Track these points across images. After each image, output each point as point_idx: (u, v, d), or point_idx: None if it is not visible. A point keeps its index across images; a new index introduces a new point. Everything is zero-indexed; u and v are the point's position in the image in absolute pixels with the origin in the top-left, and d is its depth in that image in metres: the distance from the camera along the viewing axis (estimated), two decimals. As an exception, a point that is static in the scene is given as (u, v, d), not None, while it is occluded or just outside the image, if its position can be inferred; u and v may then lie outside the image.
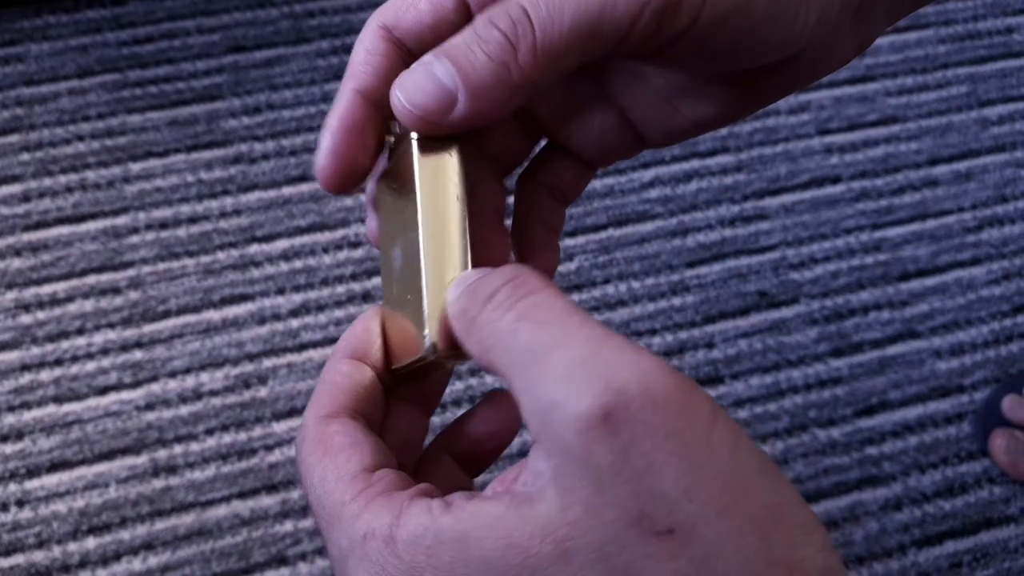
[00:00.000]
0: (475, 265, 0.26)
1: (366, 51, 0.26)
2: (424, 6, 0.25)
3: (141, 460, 0.82)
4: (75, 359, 0.86)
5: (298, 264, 0.92)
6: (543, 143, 0.32)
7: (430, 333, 0.25)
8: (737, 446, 0.19)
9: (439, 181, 0.26)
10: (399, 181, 0.27)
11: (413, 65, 0.25)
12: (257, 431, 0.84)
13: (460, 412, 0.86)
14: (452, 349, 0.25)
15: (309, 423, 0.26)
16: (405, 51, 0.26)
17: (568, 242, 0.95)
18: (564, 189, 0.31)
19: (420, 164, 0.25)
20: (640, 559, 0.19)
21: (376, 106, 0.27)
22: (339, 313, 0.90)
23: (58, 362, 0.86)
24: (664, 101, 0.29)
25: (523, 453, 0.81)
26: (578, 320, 0.21)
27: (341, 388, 0.27)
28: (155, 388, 0.85)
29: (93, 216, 0.93)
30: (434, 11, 0.25)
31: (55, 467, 0.82)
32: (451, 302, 0.24)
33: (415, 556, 0.21)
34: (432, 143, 0.26)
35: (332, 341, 0.88)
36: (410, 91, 0.24)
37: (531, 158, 0.32)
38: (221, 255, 0.92)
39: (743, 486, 0.19)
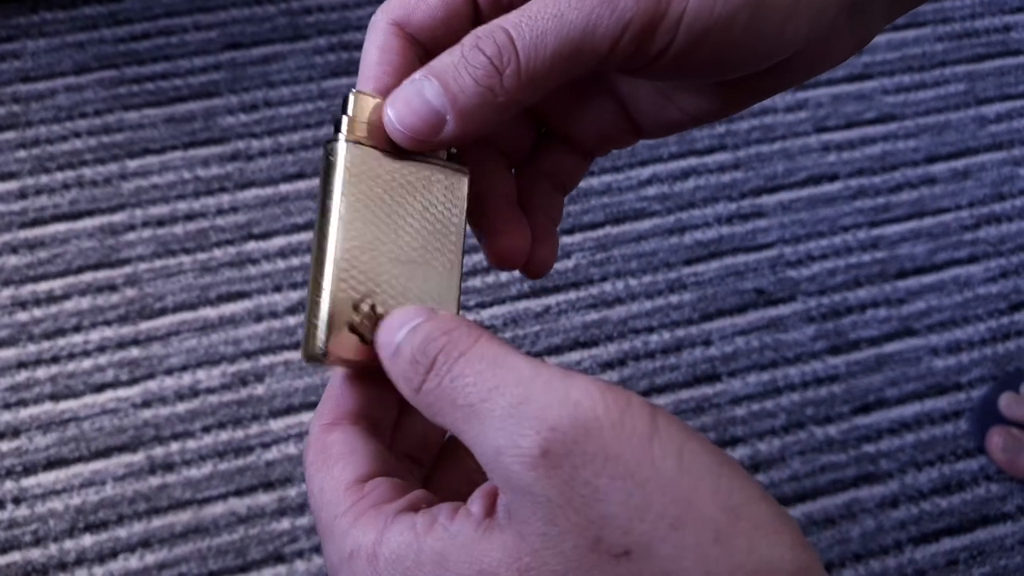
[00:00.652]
0: (494, 255, 0.28)
1: (379, 49, 0.26)
2: (435, 2, 0.26)
3: (138, 458, 0.82)
4: (72, 356, 0.86)
5: (295, 261, 0.92)
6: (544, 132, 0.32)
7: (322, 339, 0.25)
8: (681, 453, 0.19)
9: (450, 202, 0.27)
10: (415, 179, 0.27)
11: (404, 83, 0.25)
12: (254, 429, 0.84)
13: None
14: (343, 360, 0.26)
15: (312, 431, 0.27)
16: (419, 47, 0.26)
17: (565, 240, 0.95)
18: (563, 178, 0.31)
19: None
20: None
21: None
22: (336, 310, 0.89)
23: (55, 359, 0.86)
24: (660, 95, 0.29)
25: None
26: (509, 365, 0.22)
27: (344, 393, 0.27)
28: (152, 385, 0.85)
29: (90, 213, 0.93)
30: (446, 5, 0.26)
31: (52, 464, 0.82)
32: (390, 358, 0.25)
33: (395, 574, 0.22)
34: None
35: (329, 338, 0.88)
36: (402, 112, 0.25)
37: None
38: (218, 252, 0.92)
39: (693, 494, 0.19)
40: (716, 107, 0.29)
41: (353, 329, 0.25)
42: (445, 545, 0.22)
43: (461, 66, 0.24)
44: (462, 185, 0.27)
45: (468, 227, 0.29)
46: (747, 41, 0.24)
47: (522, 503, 0.20)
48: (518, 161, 0.32)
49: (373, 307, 0.26)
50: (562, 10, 0.23)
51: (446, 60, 0.25)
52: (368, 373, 0.26)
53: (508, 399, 0.21)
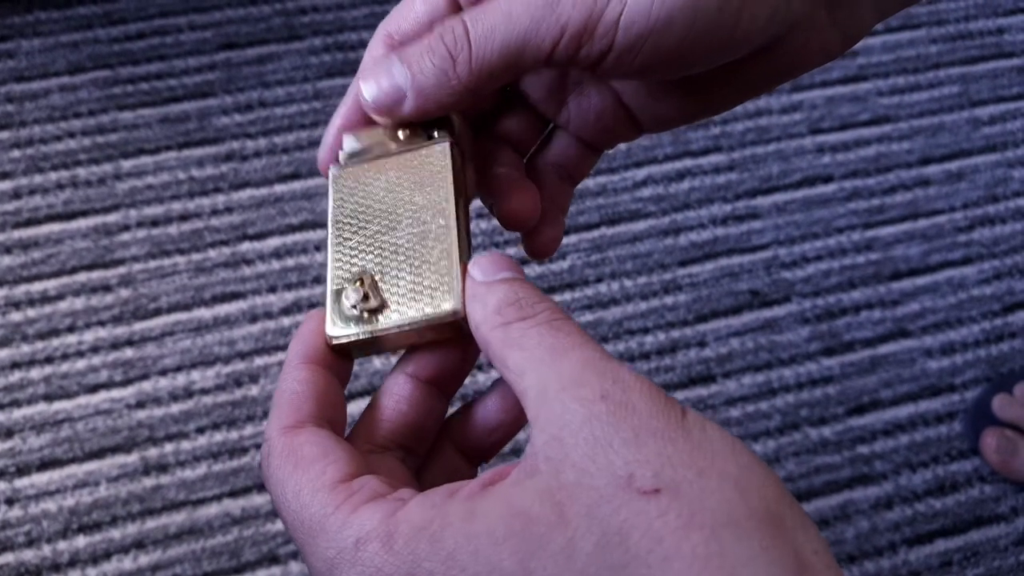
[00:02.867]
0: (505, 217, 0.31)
1: (372, 58, 0.30)
2: (421, 11, 0.29)
3: (132, 458, 0.82)
4: (66, 357, 0.86)
5: (290, 262, 0.92)
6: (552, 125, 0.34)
7: (454, 300, 0.27)
8: (705, 426, 0.22)
9: (455, 183, 0.29)
10: (404, 170, 0.30)
11: (378, 59, 0.29)
12: (248, 430, 0.84)
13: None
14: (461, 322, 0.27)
15: (274, 436, 0.26)
16: None
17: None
18: (570, 168, 0.33)
19: (453, 166, 0.29)
20: (632, 517, 0.21)
21: None
22: (331, 311, 0.89)
23: (48, 360, 0.86)
24: (649, 90, 0.31)
25: (516, 452, 0.81)
26: (580, 331, 0.25)
27: (303, 396, 0.27)
28: (146, 386, 0.85)
29: (84, 213, 0.93)
30: (430, 15, 0.29)
31: (45, 465, 0.82)
32: (477, 297, 0.26)
33: (416, 547, 0.22)
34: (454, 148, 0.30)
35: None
36: (371, 87, 0.28)
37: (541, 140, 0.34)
38: (212, 253, 0.92)
39: (715, 454, 0.22)
40: (702, 104, 0.30)
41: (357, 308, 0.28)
42: (474, 502, 0.22)
43: (425, 50, 0.27)
44: (445, 150, 0.29)
45: (470, 192, 0.31)
46: (692, 40, 0.25)
47: (563, 441, 0.22)
48: (525, 152, 0.34)
49: (374, 282, 0.28)
50: (511, 9, 0.26)
51: (416, 45, 0.28)
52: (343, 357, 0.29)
53: (587, 354, 0.24)
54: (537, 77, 0.32)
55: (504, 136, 0.33)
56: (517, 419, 0.30)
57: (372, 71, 0.28)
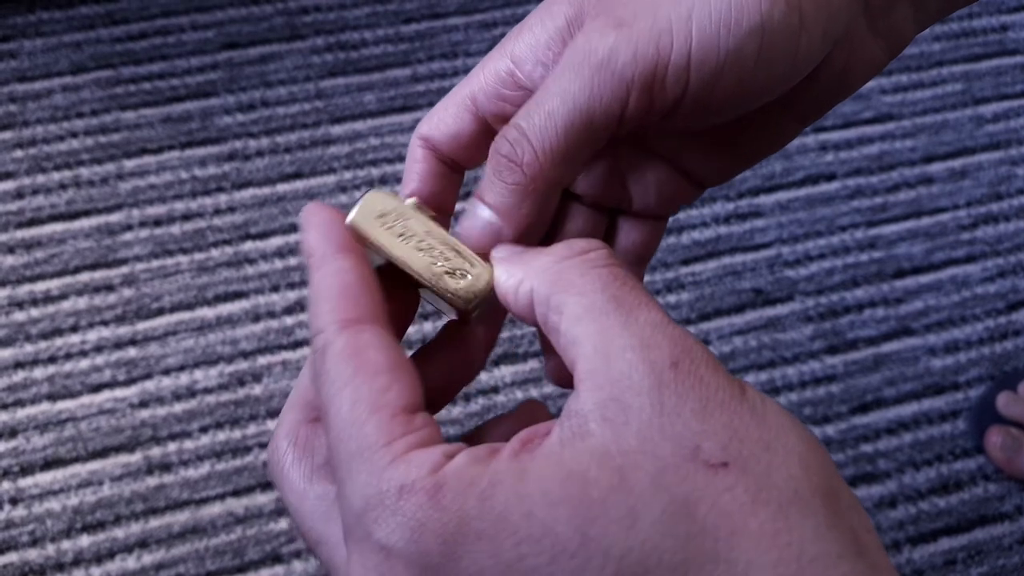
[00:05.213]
0: None
1: (412, 159, 0.30)
2: (450, 122, 0.29)
3: (135, 458, 0.82)
4: (69, 356, 0.86)
5: (292, 261, 0.92)
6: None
7: (483, 272, 0.27)
8: (765, 402, 0.22)
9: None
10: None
11: (468, 209, 0.28)
12: (251, 429, 0.84)
13: (464, 408, 0.86)
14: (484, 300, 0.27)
15: (330, 329, 0.23)
16: (441, 155, 0.30)
17: (563, 239, 0.95)
18: (639, 250, 0.33)
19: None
20: (699, 489, 0.20)
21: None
22: (334, 310, 0.89)
23: (52, 359, 0.86)
24: (703, 148, 0.30)
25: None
26: (644, 288, 0.24)
27: (358, 287, 0.24)
28: (149, 386, 0.85)
29: (87, 213, 0.93)
30: (457, 125, 0.29)
31: (49, 465, 0.82)
32: (522, 255, 0.26)
33: (465, 504, 0.21)
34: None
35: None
36: (472, 238, 0.28)
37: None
38: (215, 252, 0.92)
39: (780, 427, 0.22)
40: (759, 145, 0.30)
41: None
42: (524, 461, 0.21)
43: (493, 175, 0.27)
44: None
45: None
46: (764, 67, 0.25)
47: (627, 405, 0.21)
48: None
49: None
50: (565, 86, 0.25)
51: (484, 180, 0.27)
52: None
53: (656, 316, 0.23)
54: (587, 174, 0.31)
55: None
56: (472, 364, 0.29)
57: (465, 220, 0.28)
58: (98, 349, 0.86)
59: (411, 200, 0.28)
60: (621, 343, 0.22)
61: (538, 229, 0.28)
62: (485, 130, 0.28)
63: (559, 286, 0.24)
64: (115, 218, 0.93)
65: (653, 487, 0.20)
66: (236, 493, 0.81)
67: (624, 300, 0.23)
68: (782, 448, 0.21)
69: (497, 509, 0.20)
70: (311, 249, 0.25)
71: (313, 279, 0.25)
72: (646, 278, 0.93)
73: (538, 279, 0.24)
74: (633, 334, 0.22)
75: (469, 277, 0.27)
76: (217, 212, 0.94)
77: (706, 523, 0.20)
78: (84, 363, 0.86)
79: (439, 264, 0.27)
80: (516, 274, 0.25)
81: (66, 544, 0.79)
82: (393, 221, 0.27)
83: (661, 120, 0.26)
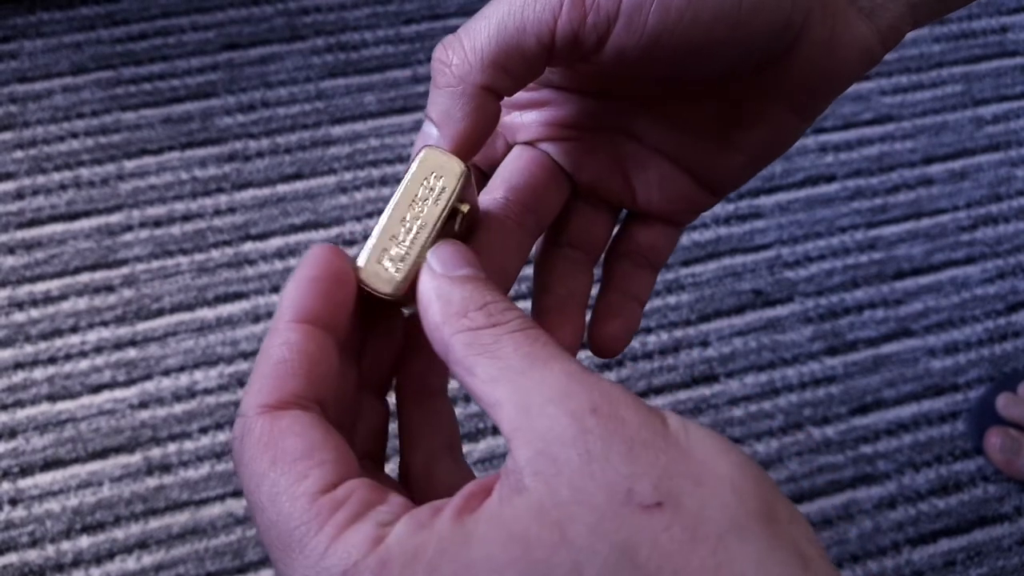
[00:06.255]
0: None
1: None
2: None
3: (135, 459, 0.82)
4: (69, 357, 0.86)
5: (292, 262, 0.92)
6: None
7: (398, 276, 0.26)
8: (689, 429, 0.22)
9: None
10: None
11: (420, 132, 0.28)
12: (251, 429, 0.84)
13: (464, 408, 0.86)
14: (407, 298, 0.26)
15: (251, 414, 0.23)
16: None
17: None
18: (644, 253, 0.32)
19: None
20: (637, 532, 0.20)
21: None
22: (334, 311, 0.89)
23: (52, 360, 0.86)
24: (699, 143, 0.30)
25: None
26: (554, 342, 0.24)
27: (291, 368, 0.24)
28: (149, 386, 0.85)
29: (87, 214, 0.93)
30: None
31: (48, 465, 0.82)
32: (438, 292, 0.25)
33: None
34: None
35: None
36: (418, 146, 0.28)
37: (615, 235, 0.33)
38: (215, 253, 0.92)
39: (707, 456, 0.21)
40: (756, 144, 0.30)
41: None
42: (468, 525, 0.21)
43: (431, 85, 0.27)
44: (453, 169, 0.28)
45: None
46: (697, 5, 0.25)
47: (554, 457, 0.21)
48: (599, 255, 0.33)
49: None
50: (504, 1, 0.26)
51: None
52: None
53: (569, 367, 0.23)
54: (589, 163, 0.31)
55: (575, 242, 0.32)
56: (399, 337, 0.29)
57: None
58: (98, 350, 0.86)
59: (461, 169, 0.27)
60: (540, 399, 0.22)
61: (477, 144, 0.28)
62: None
63: (473, 349, 0.23)
64: (115, 219, 0.93)
65: (593, 537, 0.20)
66: (236, 494, 0.81)
67: (537, 356, 0.23)
68: (712, 478, 0.21)
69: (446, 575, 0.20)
70: (277, 310, 0.25)
71: (261, 348, 0.25)
72: (646, 279, 0.93)
73: (454, 342, 0.24)
74: (550, 387, 0.22)
75: (404, 262, 0.26)
76: (217, 213, 0.94)
77: (649, 567, 0.20)
78: (84, 364, 0.86)
79: (393, 249, 0.26)
80: (436, 316, 0.25)
81: (66, 545, 0.79)
82: (412, 220, 0.27)
83: (594, 51, 0.26)
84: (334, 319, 0.25)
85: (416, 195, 0.27)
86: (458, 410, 0.85)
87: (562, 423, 0.21)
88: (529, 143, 0.32)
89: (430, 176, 0.27)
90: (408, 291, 0.26)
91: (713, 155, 0.30)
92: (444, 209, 0.27)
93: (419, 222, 0.27)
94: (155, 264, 0.91)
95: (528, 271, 0.32)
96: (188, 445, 0.83)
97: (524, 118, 0.32)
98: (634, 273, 0.32)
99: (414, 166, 0.27)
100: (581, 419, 0.21)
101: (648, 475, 0.21)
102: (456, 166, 0.27)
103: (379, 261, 0.26)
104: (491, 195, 0.31)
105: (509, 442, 0.22)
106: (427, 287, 0.25)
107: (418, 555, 0.21)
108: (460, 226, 0.28)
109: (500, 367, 0.23)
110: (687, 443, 0.21)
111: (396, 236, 0.27)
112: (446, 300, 0.24)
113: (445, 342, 0.24)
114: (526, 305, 0.31)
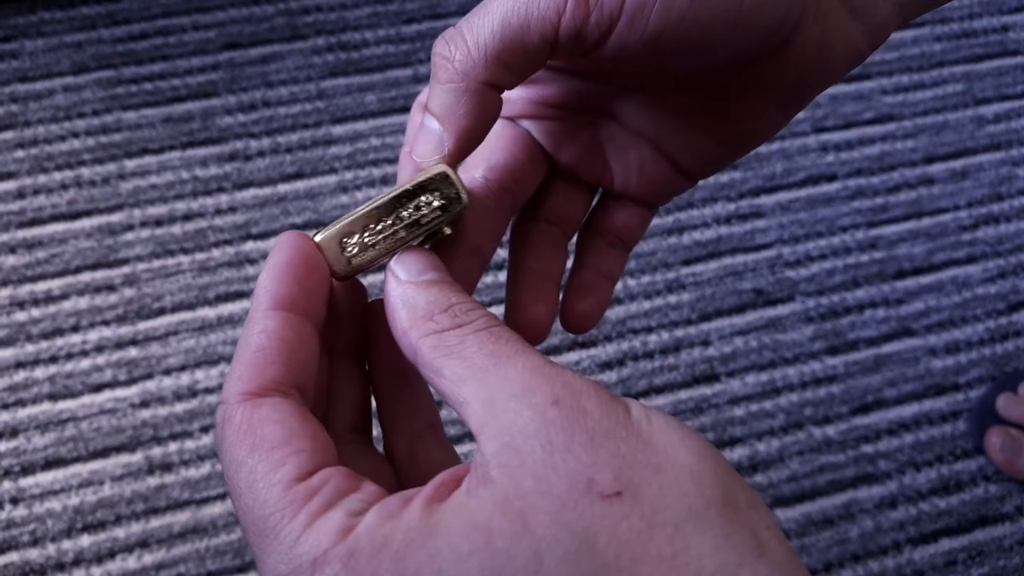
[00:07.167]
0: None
1: (413, 126, 0.30)
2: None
3: (136, 458, 0.82)
4: (70, 356, 0.86)
5: (294, 261, 0.92)
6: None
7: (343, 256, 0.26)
8: (651, 418, 0.22)
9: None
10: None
11: (422, 127, 0.28)
12: (252, 429, 0.84)
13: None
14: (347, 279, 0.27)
15: (232, 401, 0.24)
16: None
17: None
18: (618, 233, 0.33)
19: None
20: (597, 522, 0.20)
21: None
22: (335, 311, 0.89)
23: (53, 359, 0.86)
24: (680, 128, 0.30)
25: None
26: (519, 338, 0.24)
27: (269, 356, 0.25)
28: (150, 385, 0.85)
29: (88, 213, 0.93)
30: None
31: (50, 465, 0.82)
32: (403, 299, 0.25)
33: (379, 568, 0.21)
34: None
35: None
36: (418, 148, 0.28)
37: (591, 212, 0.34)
38: (216, 252, 0.92)
39: (668, 445, 0.22)
40: (738, 132, 0.30)
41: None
42: (436, 515, 0.21)
43: (432, 80, 0.27)
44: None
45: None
46: (699, 4, 0.25)
47: (518, 449, 0.21)
48: (574, 231, 0.33)
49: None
50: None
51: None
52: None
53: (532, 361, 0.23)
54: (569, 145, 0.31)
55: (552, 218, 0.32)
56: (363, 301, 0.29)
57: (419, 138, 0.28)
58: (99, 349, 0.86)
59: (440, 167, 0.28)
60: (504, 394, 0.22)
61: (480, 139, 0.28)
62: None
63: (439, 351, 0.24)
64: (116, 218, 0.93)
65: (554, 527, 0.20)
66: (237, 493, 0.81)
67: (500, 353, 0.23)
68: (671, 467, 0.21)
69: (411, 570, 0.21)
70: (253, 298, 0.26)
71: (241, 336, 0.25)
72: (647, 278, 0.93)
73: (421, 345, 0.24)
74: (513, 382, 0.22)
75: (365, 251, 0.27)
76: (218, 212, 0.94)
77: (607, 555, 0.20)
78: (85, 363, 0.86)
79: (364, 236, 0.27)
80: (403, 321, 0.25)
81: (67, 544, 0.79)
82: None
83: (597, 46, 0.26)
84: (310, 305, 0.26)
85: (409, 201, 0.27)
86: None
87: (525, 416, 0.22)
88: (511, 118, 0.32)
89: (433, 192, 0.27)
90: (352, 278, 0.27)
91: (694, 143, 0.30)
92: (430, 227, 0.27)
93: (401, 224, 0.27)
94: (156, 263, 0.91)
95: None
96: (189, 444, 0.83)
97: (510, 93, 0.31)
98: (607, 252, 0.33)
99: (423, 176, 0.27)
100: (543, 411, 0.22)
101: (609, 465, 0.21)
102: (463, 197, 0.27)
103: (341, 240, 0.27)
104: (470, 173, 0.31)
105: (477, 438, 0.22)
106: (393, 294, 0.25)
107: (386, 545, 0.21)
108: (432, 245, 0.29)
109: (466, 366, 0.23)
110: (648, 432, 0.22)
111: (370, 227, 0.27)
112: (412, 305, 0.25)
113: (413, 346, 0.24)
114: (501, 276, 0.31)
